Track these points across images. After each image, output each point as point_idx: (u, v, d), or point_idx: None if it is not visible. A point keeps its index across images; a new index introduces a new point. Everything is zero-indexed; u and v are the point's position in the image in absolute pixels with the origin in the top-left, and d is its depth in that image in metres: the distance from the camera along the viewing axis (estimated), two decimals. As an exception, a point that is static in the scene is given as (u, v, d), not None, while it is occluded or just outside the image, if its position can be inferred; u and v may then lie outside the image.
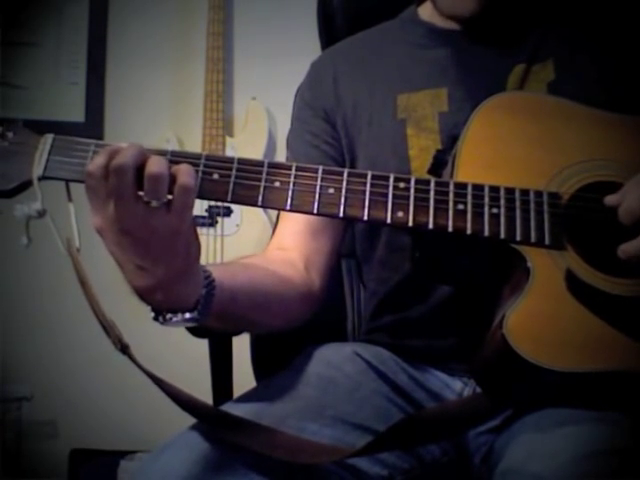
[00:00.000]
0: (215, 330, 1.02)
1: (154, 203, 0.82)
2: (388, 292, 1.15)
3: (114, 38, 2.50)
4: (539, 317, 0.88)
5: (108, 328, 0.86)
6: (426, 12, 1.20)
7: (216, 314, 0.92)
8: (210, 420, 0.92)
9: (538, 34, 1.12)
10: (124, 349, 0.86)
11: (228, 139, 2.42)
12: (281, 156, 2.38)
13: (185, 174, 0.83)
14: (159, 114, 2.50)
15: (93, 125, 2.47)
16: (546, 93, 1.08)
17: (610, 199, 0.90)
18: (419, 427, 0.94)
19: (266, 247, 1.20)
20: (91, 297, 0.86)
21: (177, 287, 0.87)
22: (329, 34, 1.43)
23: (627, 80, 1.08)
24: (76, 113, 2.48)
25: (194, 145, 2.43)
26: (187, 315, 0.89)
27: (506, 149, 0.96)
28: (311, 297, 1.12)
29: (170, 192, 0.83)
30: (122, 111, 2.50)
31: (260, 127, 2.45)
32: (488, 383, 0.93)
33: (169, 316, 0.88)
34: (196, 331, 1.17)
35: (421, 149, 1.10)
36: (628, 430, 0.85)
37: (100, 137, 2.48)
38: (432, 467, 1.02)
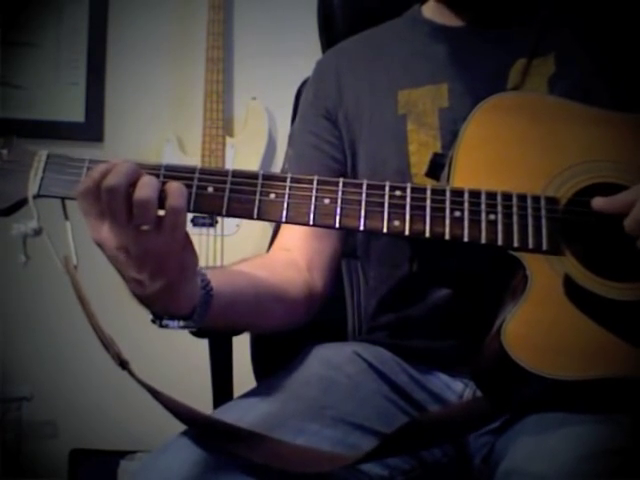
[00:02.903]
0: (214, 331, 1.03)
1: (144, 227, 0.83)
2: (389, 289, 1.15)
3: (114, 38, 2.50)
4: (537, 324, 0.87)
5: (107, 345, 0.87)
6: (429, 11, 1.20)
7: (213, 320, 0.94)
8: (210, 432, 0.92)
9: (540, 28, 1.11)
10: (123, 365, 0.87)
11: (228, 139, 2.42)
12: (281, 156, 2.38)
13: (175, 195, 0.84)
14: (159, 114, 2.50)
15: (93, 125, 2.48)
16: (547, 88, 1.08)
17: (598, 203, 0.90)
18: (421, 432, 0.94)
19: (270, 248, 1.21)
20: (90, 314, 0.88)
21: (174, 297, 0.88)
22: (329, 34, 1.43)
23: (628, 75, 1.07)
24: (76, 113, 2.48)
25: (194, 145, 2.43)
26: (181, 323, 0.90)
27: (504, 151, 0.95)
28: (313, 298, 1.12)
29: (162, 207, 0.84)
30: (122, 111, 2.50)
31: (260, 127, 2.45)
32: (488, 388, 0.93)
33: (165, 322, 0.90)
34: (196, 331, 1.17)
35: (420, 144, 1.10)
36: (629, 430, 0.85)
37: (100, 137, 2.48)
38: (433, 468, 1.02)
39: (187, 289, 0.89)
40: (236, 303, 0.98)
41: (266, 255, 1.19)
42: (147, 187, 0.83)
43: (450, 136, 1.04)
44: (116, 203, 0.82)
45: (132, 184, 0.83)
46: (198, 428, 0.92)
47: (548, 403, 0.90)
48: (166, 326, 0.90)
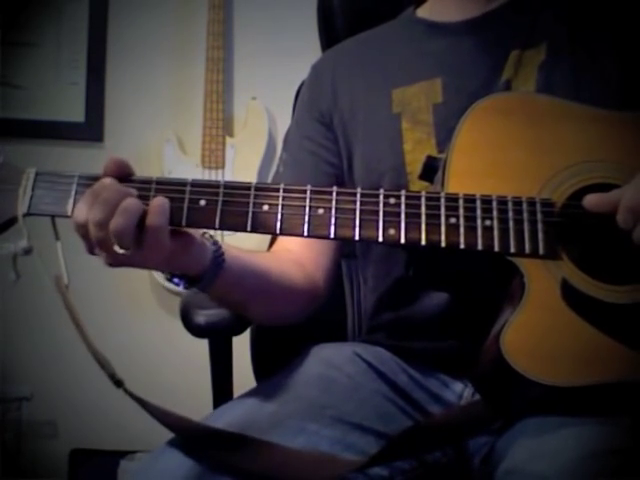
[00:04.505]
0: (221, 304, 1.08)
1: (126, 252, 0.85)
2: (387, 288, 1.15)
3: (114, 38, 2.50)
4: (535, 330, 0.87)
5: (102, 364, 0.89)
6: (424, 12, 1.21)
7: (222, 288, 0.97)
8: (203, 441, 0.92)
9: (533, 19, 1.12)
10: (118, 384, 0.89)
11: (228, 139, 2.42)
12: (281, 156, 2.38)
13: (154, 214, 0.86)
14: (159, 114, 2.50)
15: (93, 125, 2.48)
16: (537, 75, 1.07)
17: (590, 201, 0.89)
18: (424, 436, 0.94)
19: (270, 248, 1.21)
20: (84, 335, 0.89)
21: (176, 266, 0.92)
22: (329, 34, 1.43)
23: (621, 66, 1.06)
24: (76, 113, 2.48)
25: (194, 145, 2.43)
26: (187, 285, 0.94)
27: (499, 153, 0.94)
28: (315, 295, 1.14)
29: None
30: (122, 111, 2.50)
31: (260, 127, 2.45)
32: (487, 393, 0.92)
33: (176, 281, 0.94)
34: (196, 331, 1.17)
35: (415, 142, 1.10)
36: (629, 430, 0.85)
37: (100, 137, 2.47)
38: (432, 468, 1.02)
39: (192, 253, 0.92)
40: (246, 277, 1.00)
41: (270, 252, 1.20)
42: (123, 215, 0.84)
43: (445, 132, 1.04)
44: (102, 235, 0.85)
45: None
46: (192, 438, 0.92)
47: (548, 407, 0.90)
48: (177, 284, 0.94)
